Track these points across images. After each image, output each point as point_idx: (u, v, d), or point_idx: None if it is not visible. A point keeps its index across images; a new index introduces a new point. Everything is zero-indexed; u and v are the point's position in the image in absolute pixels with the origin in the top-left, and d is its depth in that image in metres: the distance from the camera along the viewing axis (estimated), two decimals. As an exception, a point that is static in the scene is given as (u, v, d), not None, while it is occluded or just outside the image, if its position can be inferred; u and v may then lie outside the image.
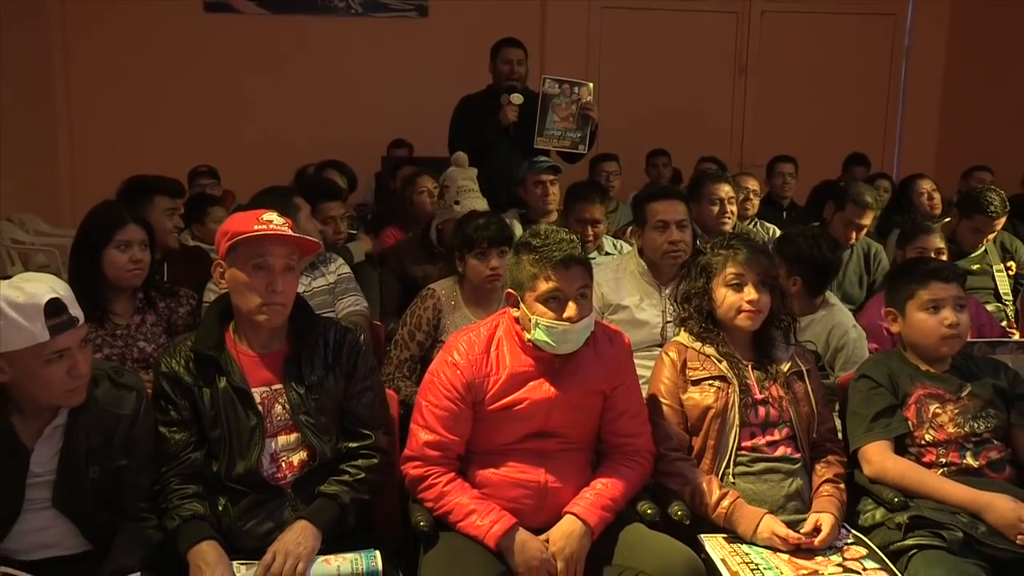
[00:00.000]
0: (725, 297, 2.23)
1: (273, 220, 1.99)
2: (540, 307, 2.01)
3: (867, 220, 3.79)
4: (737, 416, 2.16)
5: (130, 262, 2.54)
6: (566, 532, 1.99)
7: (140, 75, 6.33)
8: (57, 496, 1.84)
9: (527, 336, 2.05)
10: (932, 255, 3.25)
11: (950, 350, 2.28)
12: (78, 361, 1.78)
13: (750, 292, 2.20)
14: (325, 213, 3.15)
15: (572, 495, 2.05)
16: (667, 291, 2.81)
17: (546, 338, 2.01)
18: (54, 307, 1.73)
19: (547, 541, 1.99)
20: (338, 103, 6.48)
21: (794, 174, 5.34)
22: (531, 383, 2.05)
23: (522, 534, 1.97)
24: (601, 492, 2.05)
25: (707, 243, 2.39)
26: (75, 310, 1.79)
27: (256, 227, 1.96)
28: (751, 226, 4.22)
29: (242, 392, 1.98)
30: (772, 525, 2.03)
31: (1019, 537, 1.99)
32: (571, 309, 1.99)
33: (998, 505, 2.03)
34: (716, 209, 3.62)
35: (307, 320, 2.09)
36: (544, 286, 2.00)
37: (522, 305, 2.05)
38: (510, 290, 2.09)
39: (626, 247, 3.59)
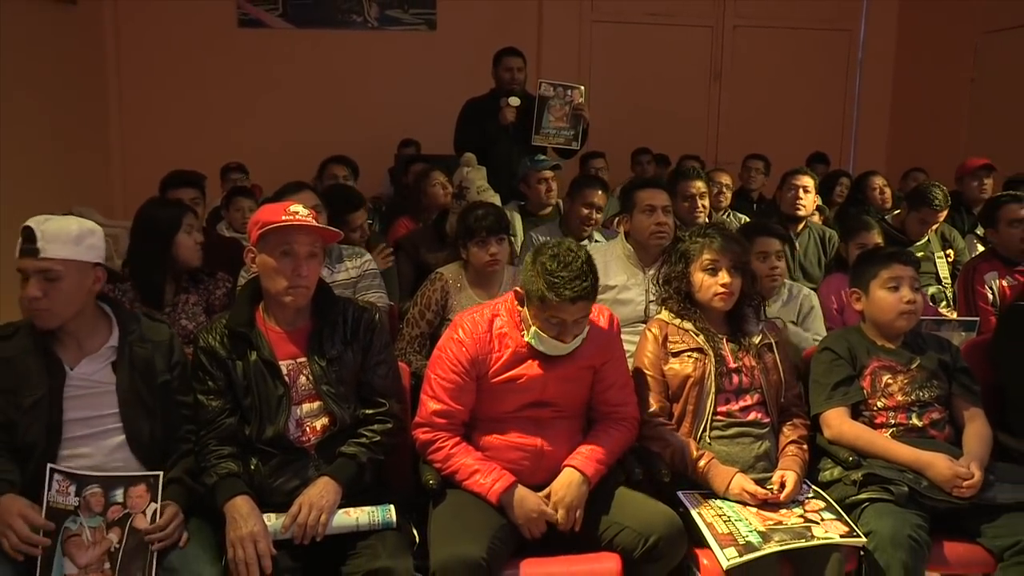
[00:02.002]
0: (702, 281, 2.20)
1: (299, 212, 1.96)
2: (541, 321, 1.95)
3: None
4: (713, 383, 2.13)
5: (195, 243, 2.58)
6: (566, 482, 1.96)
7: (182, 82, 6.30)
8: (123, 407, 1.83)
9: (524, 336, 2.00)
10: None
11: (907, 324, 2.26)
12: (30, 287, 1.76)
13: (724, 276, 2.17)
14: (352, 224, 3.09)
15: (565, 457, 2.02)
16: (650, 272, 2.77)
17: (538, 345, 1.97)
18: (26, 232, 1.77)
19: (547, 495, 1.96)
20: (356, 107, 6.43)
21: (761, 170, 5.29)
22: (529, 360, 2.01)
23: (521, 490, 1.95)
24: (595, 449, 2.02)
25: (686, 232, 2.36)
26: (47, 245, 1.75)
27: (283, 217, 1.93)
28: (724, 217, 4.18)
29: (270, 364, 1.95)
30: (742, 482, 2.02)
31: (955, 490, 2.02)
32: (566, 335, 1.94)
33: (938, 463, 2.04)
34: (688, 205, 3.58)
35: (328, 300, 2.06)
36: (548, 311, 1.92)
37: (526, 306, 1.99)
38: (519, 288, 2.01)
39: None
